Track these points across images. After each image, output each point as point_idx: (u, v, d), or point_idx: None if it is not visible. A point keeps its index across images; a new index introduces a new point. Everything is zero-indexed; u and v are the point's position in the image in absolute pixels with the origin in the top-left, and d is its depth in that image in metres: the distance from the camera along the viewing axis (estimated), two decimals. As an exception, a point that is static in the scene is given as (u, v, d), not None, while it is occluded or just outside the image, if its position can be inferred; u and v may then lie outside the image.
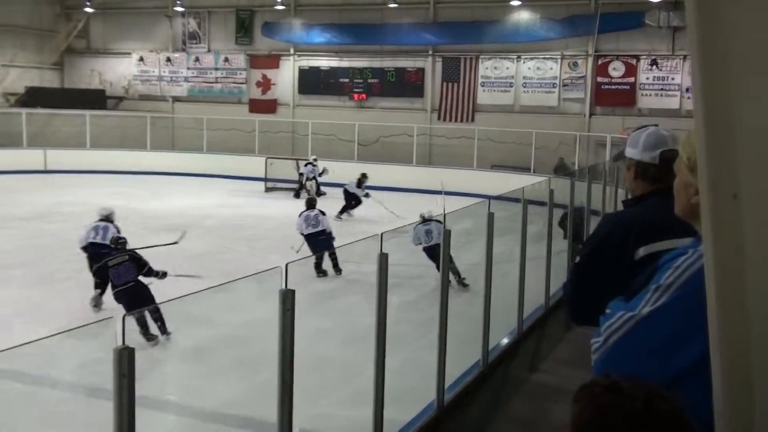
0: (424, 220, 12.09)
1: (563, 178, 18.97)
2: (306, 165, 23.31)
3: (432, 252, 11.51)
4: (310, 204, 14.19)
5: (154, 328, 8.96)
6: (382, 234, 4.71)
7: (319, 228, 13.57)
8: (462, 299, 10.43)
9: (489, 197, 7.44)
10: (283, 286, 3.63)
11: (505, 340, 7.38)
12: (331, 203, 18.40)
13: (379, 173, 21.98)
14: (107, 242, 10.87)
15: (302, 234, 13.66)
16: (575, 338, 7.86)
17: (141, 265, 9.62)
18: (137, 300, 9.12)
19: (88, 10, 31.22)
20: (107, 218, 11.79)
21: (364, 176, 20.28)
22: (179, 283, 9.42)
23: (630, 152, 2.71)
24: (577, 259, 2.71)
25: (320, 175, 22.88)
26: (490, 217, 6.56)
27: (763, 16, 1.35)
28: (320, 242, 13.30)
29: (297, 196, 22.42)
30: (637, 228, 2.52)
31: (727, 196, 1.43)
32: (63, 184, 23.03)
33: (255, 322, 7.57)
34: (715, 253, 1.48)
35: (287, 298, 3.64)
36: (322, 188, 22.51)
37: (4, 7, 29.16)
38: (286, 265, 3.62)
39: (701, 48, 1.41)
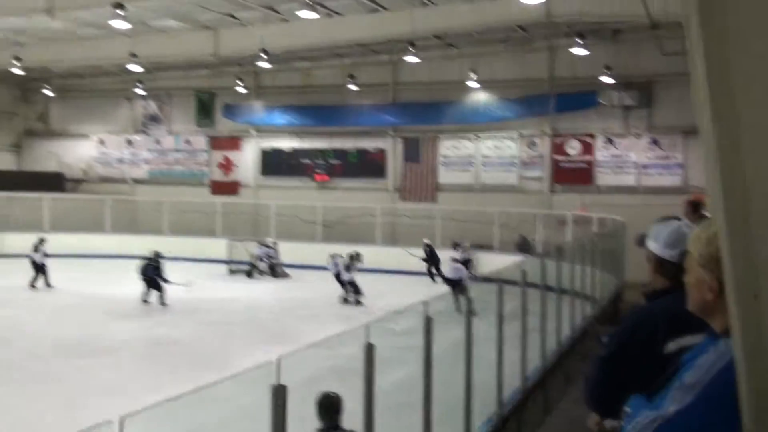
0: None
1: (531, 256, 19.19)
2: (260, 247, 23.86)
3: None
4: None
5: None
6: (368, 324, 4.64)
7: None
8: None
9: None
10: (275, 381, 3.53)
11: (485, 428, 7.26)
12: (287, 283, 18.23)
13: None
14: None
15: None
16: (556, 422, 7.76)
17: None
18: None
19: (48, 93, 31.19)
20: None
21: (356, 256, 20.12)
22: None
23: (652, 246, 2.69)
24: (602, 352, 2.67)
25: (269, 259, 23.59)
26: (469, 302, 6.53)
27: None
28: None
29: (249, 275, 23.54)
30: (665, 322, 2.49)
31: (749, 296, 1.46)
32: (19, 269, 22.46)
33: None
34: (744, 350, 1.50)
35: (279, 394, 3.53)
36: (285, 269, 23.38)
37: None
38: (278, 360, 3.53)
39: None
